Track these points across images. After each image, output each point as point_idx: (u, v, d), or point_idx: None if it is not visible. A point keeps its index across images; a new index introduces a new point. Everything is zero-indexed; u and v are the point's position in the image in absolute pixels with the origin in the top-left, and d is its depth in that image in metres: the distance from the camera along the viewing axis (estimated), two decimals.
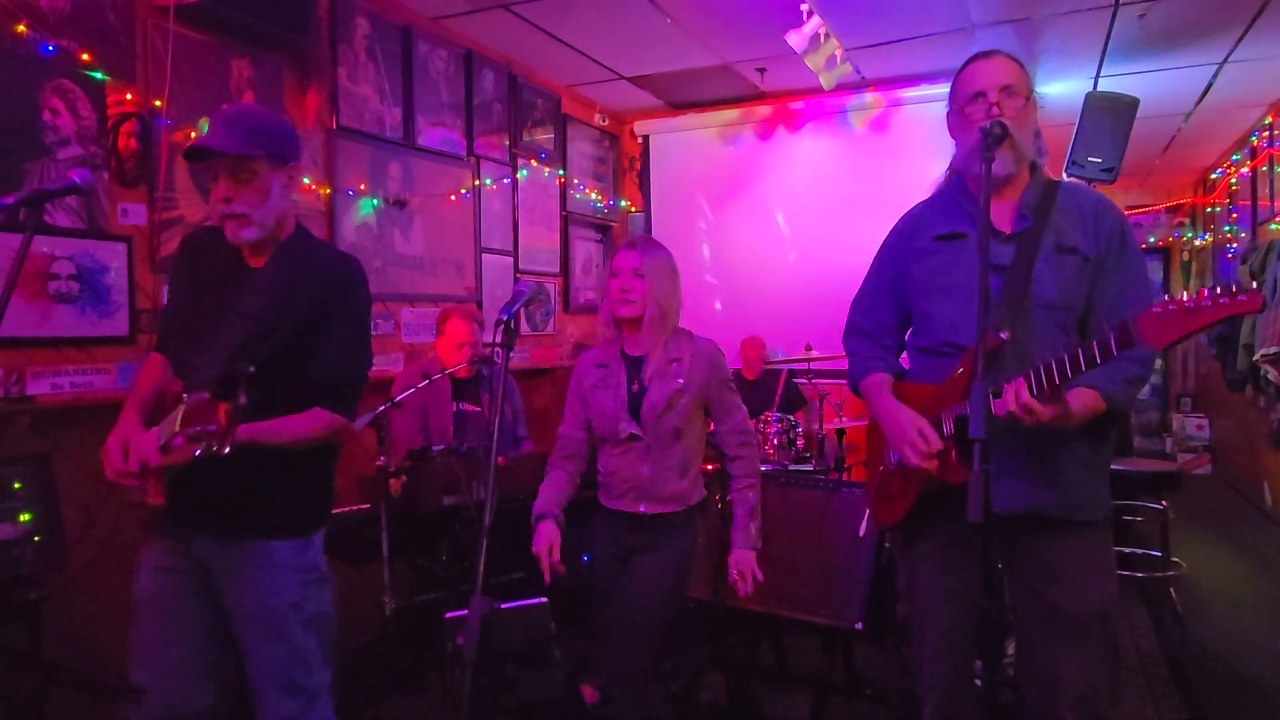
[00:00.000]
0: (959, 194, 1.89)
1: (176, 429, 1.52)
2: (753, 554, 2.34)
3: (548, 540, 2.30)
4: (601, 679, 2.27)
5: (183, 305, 1.88)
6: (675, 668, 3.33)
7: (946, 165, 1.99)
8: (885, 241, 2.06)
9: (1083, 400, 1.66)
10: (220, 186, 1.75)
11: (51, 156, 2.73)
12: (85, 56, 2.79)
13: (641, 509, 2.36)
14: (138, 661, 1.81)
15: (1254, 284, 1.36)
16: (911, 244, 1.95)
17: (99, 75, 2.83)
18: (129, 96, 2.93)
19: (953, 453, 1.73)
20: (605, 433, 2.41)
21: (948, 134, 1.93)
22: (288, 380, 1.57)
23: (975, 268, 1.59)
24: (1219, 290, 1.35)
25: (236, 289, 1.81)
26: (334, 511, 3.01)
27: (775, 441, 4.33)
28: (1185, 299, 1.38)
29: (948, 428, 1.74)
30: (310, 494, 1.95)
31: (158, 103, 2.99)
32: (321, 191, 3.71)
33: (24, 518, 2.40)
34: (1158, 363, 7.77)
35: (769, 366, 5.12)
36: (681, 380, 2.32)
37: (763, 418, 4.40)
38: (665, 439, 2.34)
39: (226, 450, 1.43)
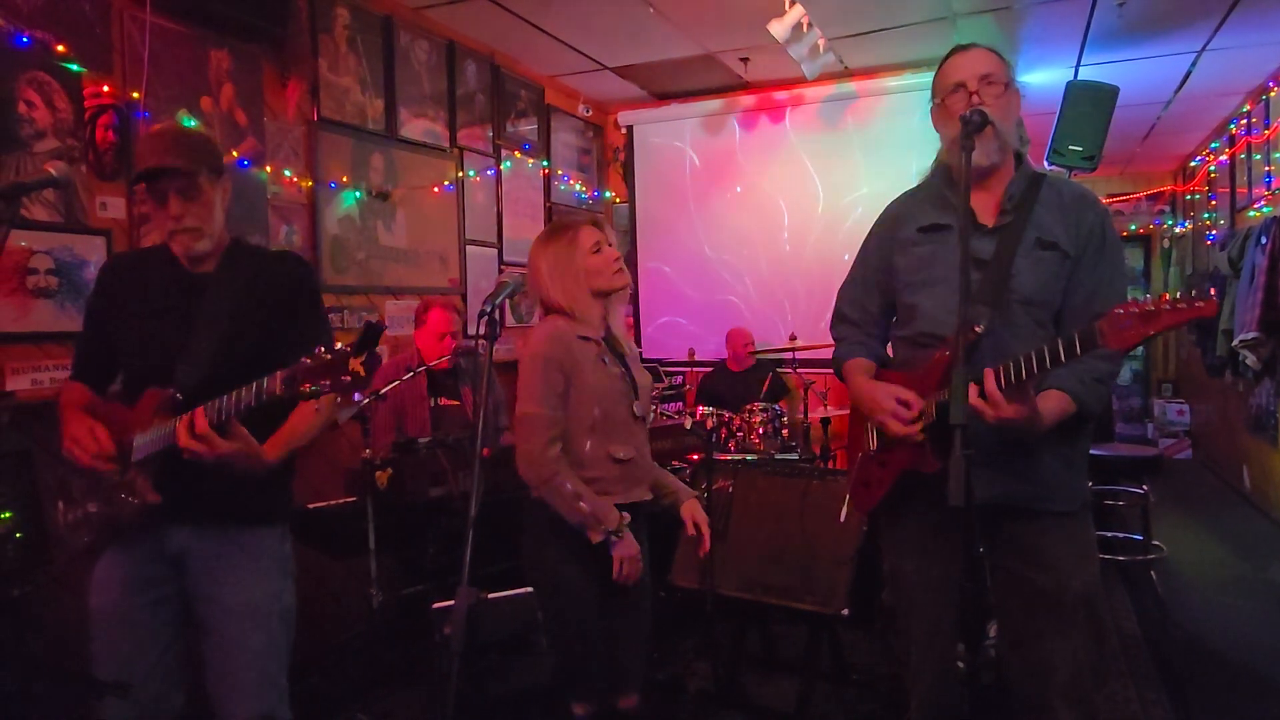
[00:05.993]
0: (946, 186, 1.89)
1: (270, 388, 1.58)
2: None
3: None
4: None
5: (128, 326, 1.88)
6: (662, 656, 3.35)
7: (933, 157, 2.00)
8: (871, 231, 2.06)
9: (1051, 403, 1.67)
10: (171, 205, 1.81)
11: (28, 150, 2.69)
12: (61, 48, 2.76)
13: None
14: (107, 672, 1.80)
15: (1211, 291, 1.38)
16: (896, 235, 1.95)
17: (75, 67, 2.80)
18: (106, 88, 2.90)
19: (927, 443, 1.74)
20: None
21: (931, 124, 1.94)
22: (268, 374, 1.59)
23: (958, 261, 1.60)
24: (1178, 296, 1.38)
25: (194, 297, 1.86)
26: (321, 505, 3.04)
27: (761, 431, 4.35)
28: (1146, 303, 1.40)
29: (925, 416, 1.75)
30: (286, 481, 1.99)
31: (135, 94, 2.96)
32: (303, 184, 3.69)
33: (4, 515, 2.39)
34: (1139, 349, 7.85)
35: (756, 355, 5.14)
36: None
37: (747, 408, 4.42)
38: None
39: (358, 397, 1.51)
